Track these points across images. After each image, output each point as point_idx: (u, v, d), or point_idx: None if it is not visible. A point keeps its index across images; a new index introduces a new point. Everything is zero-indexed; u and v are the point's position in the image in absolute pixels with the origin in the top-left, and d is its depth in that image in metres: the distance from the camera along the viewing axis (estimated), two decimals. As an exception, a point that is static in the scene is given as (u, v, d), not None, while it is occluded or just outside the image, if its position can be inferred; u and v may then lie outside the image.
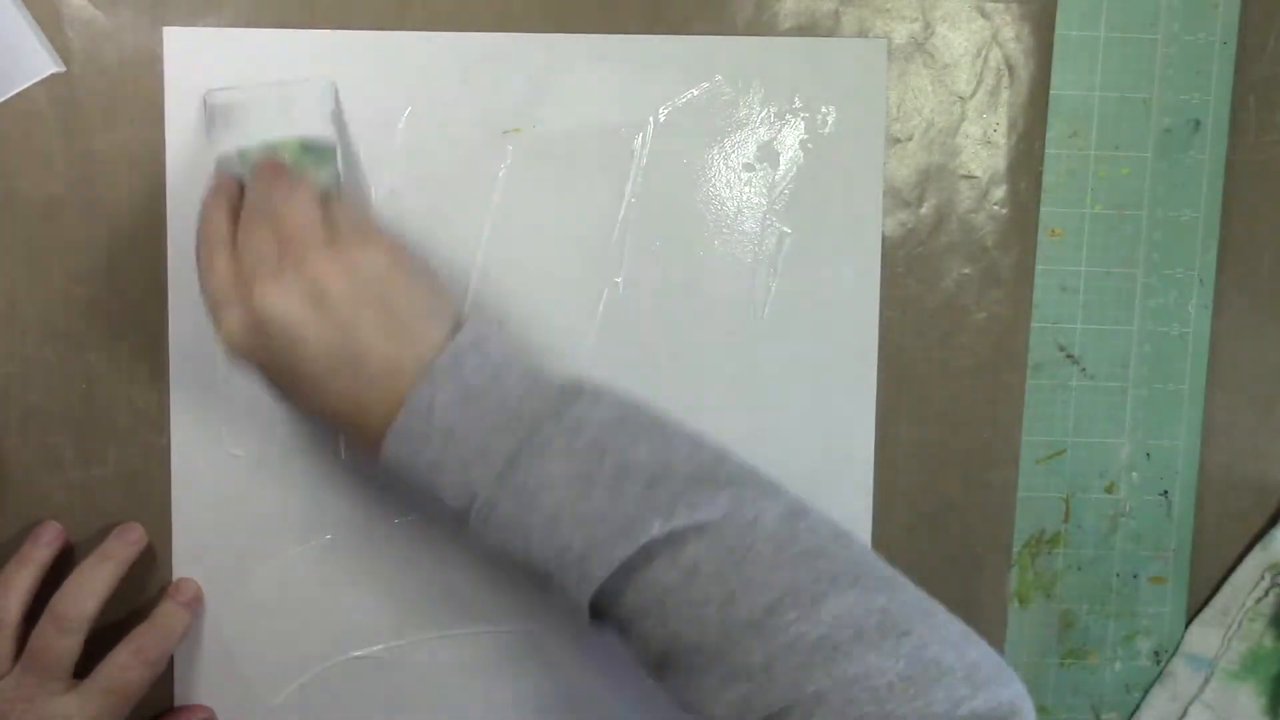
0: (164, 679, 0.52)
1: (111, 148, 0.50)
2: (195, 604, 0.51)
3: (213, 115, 0.48)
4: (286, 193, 0.43)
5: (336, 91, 0.49)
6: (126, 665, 0.48)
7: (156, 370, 0.51)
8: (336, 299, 0.40)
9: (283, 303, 0.40)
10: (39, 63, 0.49)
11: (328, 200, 0.44)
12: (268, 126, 0.47)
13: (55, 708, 0.47)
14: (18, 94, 0.49)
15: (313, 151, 0.47)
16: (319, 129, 0.48)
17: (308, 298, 0.40)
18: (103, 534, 0.50)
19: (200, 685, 0.52)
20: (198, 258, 0.44)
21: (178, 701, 0.52)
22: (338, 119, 0.49)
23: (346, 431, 0.42)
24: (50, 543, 0.49)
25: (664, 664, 0.40)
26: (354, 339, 0.40)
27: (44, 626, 0.47)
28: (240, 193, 0.45)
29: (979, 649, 0.38)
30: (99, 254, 0.50)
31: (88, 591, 0.48)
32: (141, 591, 0.51)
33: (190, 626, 0.50)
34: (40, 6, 0.49)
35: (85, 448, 0.51)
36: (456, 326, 0.42)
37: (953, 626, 0.39)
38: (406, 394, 0.40)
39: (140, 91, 0.50)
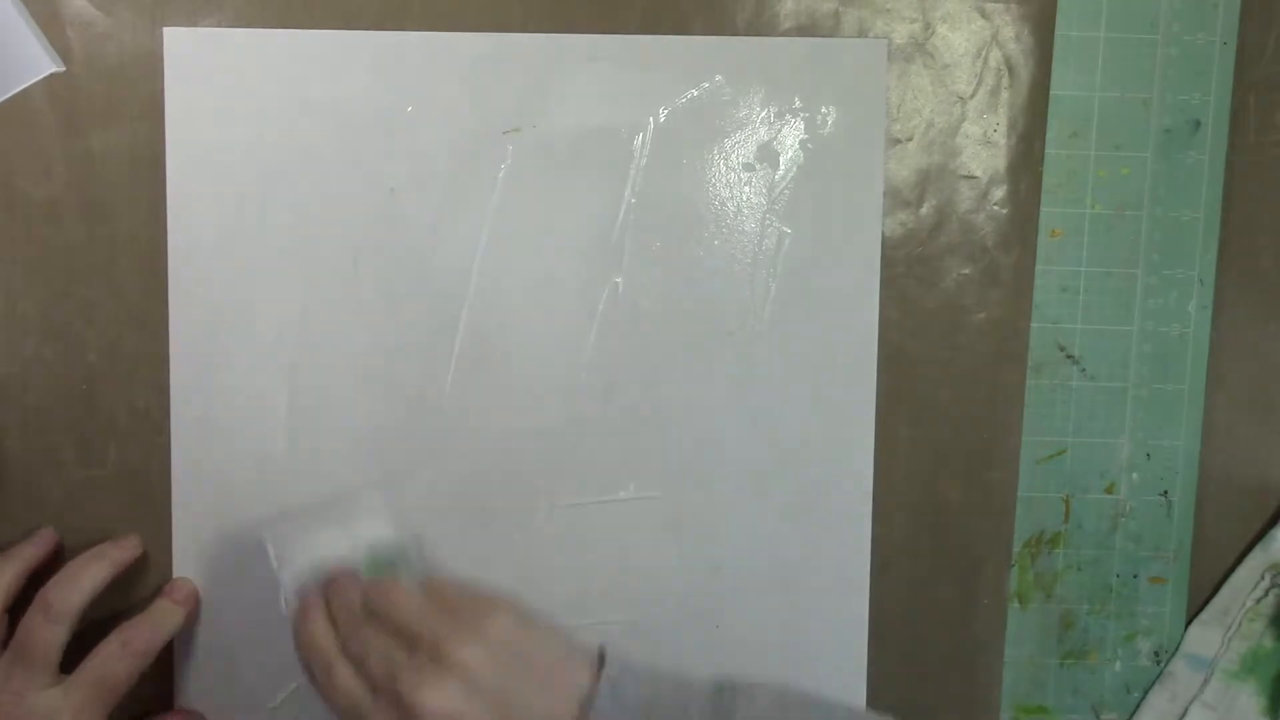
0: (164, 680, 0.52)
1: (111, 148, 0.50)
2: (189, 603, 0.51)
3: (277, 555, 0.47)
4: (384, 594, 0.43)
5: (382, 497, 0.50)
6: (113, 657, 0.48)
7: (156, 370, 0.51)
8: (488, 679, 0.40)
9: (439, 699, 0.40)
10: (39, 63, 0.49)
11: (422, 586, 0.44)
12: (334, 546, 0.47)
13: (41, 699, 0.47)
14: (18, 94, 0.49)
15: (384, 558, 0.47)
16: (383, 531, 0.48)
17: (460, 688, 0.40)
18: (103, 536, 0.50)
19: (200, 687, 0.52)
20: (311, 677, 0.44)
21: (178, 703, 0.52)
22: (396, 515, 0.49)
23: None
24: (42, 543, 0.49)
25: None
26: (514, 710, 0.40)
27: (32, 615, 0.47)
28: (325, 608, 0.45)
29: None
30: (99, 254, 0.50)
31: (77, 584, 0.48)
32: (138, 591, 0.51)
33: (182, 624, 0.50)
34: (40, 6, 0.49)
35: (85, 448, 0.51)
36: (599, 660, 0.42)
37: None
38: None
39: (140, 91, 0.50)
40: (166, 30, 0.49)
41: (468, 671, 0.40)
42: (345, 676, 0.42)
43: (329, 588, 0.45)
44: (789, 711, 0.42)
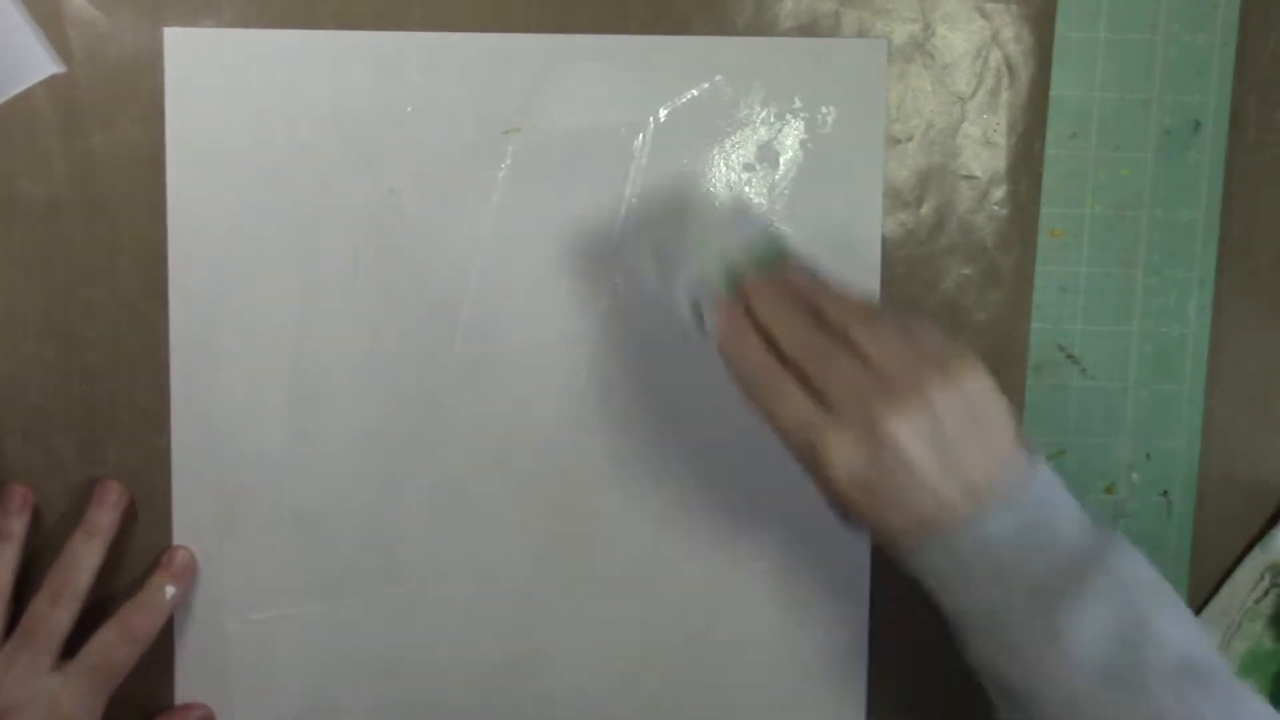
0: (165, 678, 0.52)
1: (111, 148, 0.50)
2: (186, 575, 0.51)
3: (661, 269, 0.46)
4: (848, 312, 0.42)
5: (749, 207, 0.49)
6: (112, 643, 0.48)
7: (156, 370, 0.51)
8: (951, 429, 0.40)
9: (911, 434, 0.39)
10: (39, 63, 0.49)
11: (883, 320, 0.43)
12: (716, 251, 0.45)
13: (43, 685, 0.47)
14: (18, 94, 0.49)
15: (769, 254, 0.45)
16: (754, 227, 0.46)
17: (930, 429, 0.40)
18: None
19: (201, 685, 0.52)
20: (753, 392, 0.42)
21: (178, 701, 0.52)
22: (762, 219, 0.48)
23: (893, 541, 0.42)
24: (20, 510, 0.49)
25: None
26: (960, 468, 0.40)
27: (39, 600, 0.48)
28: (744, 303, 0.43)
29: None
30: (99, 254, 0.50)
31: (80, 565, 0.48)
32: (139, 577, 0.51)
33: (180, 601, 0.51)
34: (40, 6, 0.49)
35: (85, 448, 0.51)
36: (1023, 449, 0.42)
37: None
38: (972, 511, 0.40)
39: (140, 91, 0.50)
40: (166, 30, 0.49)
41: (939, 415, 0.40)
42: (795, 393, 0.41)
43: (751, 295, 0.43)
44: (1157, 589, 0.41)
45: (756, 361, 0.42)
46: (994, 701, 0.43)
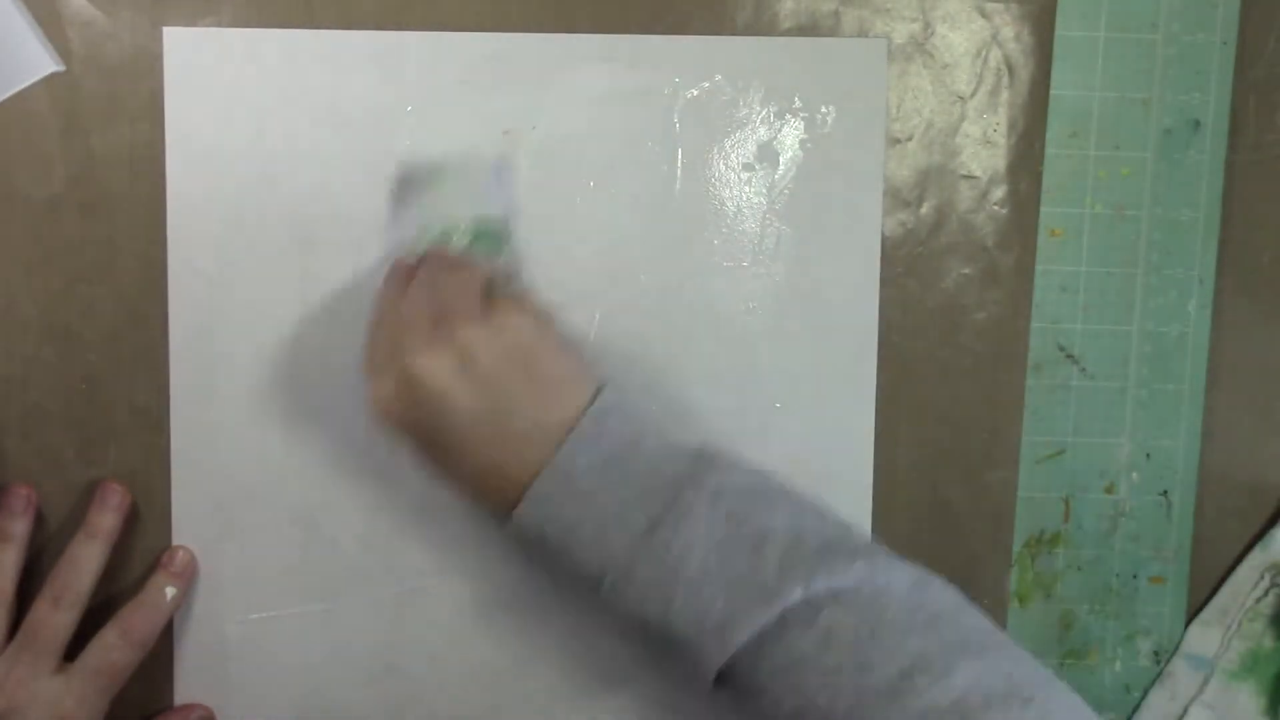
0: (164, 679, 0.52)
1: (111, 148, 0.50)
2: (186, 575, 0.51)
3: (399, 189, 0.49)
4: (450, 272, 0.45)
5: (511, 172, 0.50)
6: (113, 646, 0.49)
7: (156, 370, 0.51)
8: (484, 365, 0.42)
9: (431, 367, 0.42)
10: (39, 63, 0.49)
11: (491, 280, 0.46)
12: (447, 204, 0.49)
13: (45, 687, 0.47)
14: (18, 94, 0.49)
15: (487, 234, 0.49)
16: (496, 209, 0.49)
17: (457, 364, 0.42)
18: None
19: (201, 685, 0.52)
20: (368, 329, 0.46)
21: (178, 701, 0.52)
22: (511, 199, 0.50)
23: (484, 495, 0.44)
24: (23, 512, 0.49)
25: None
26: (500, 403, 0.42)
27: (41, 603, 0.48)
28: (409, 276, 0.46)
29: (1093, 718, 0.39)
30: (99, 254, 0.50)
31: (82, 568, 0.48)
32: (139, 579, 0.51)
33: (180, 601, 0.51)
34: (40, 6, 0.49)
35: (85, 448, 0.51)
36: (595, 392, 0.43)
37: (1070, 696, 0.40)
38: (546, 457, 0.41)
39: (140, 91, 0.50)
40: (166, 30, 0.49)
41: (468, 352, 0.42)
42: (382, 336, 0.45)
43: (423, 255, 0.47)
44: (760, 496, 0.42)
45: (382, 305, 0.46)
46: (658, 655, 0.43)
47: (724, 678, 0.41)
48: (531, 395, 0.42)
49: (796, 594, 0.39)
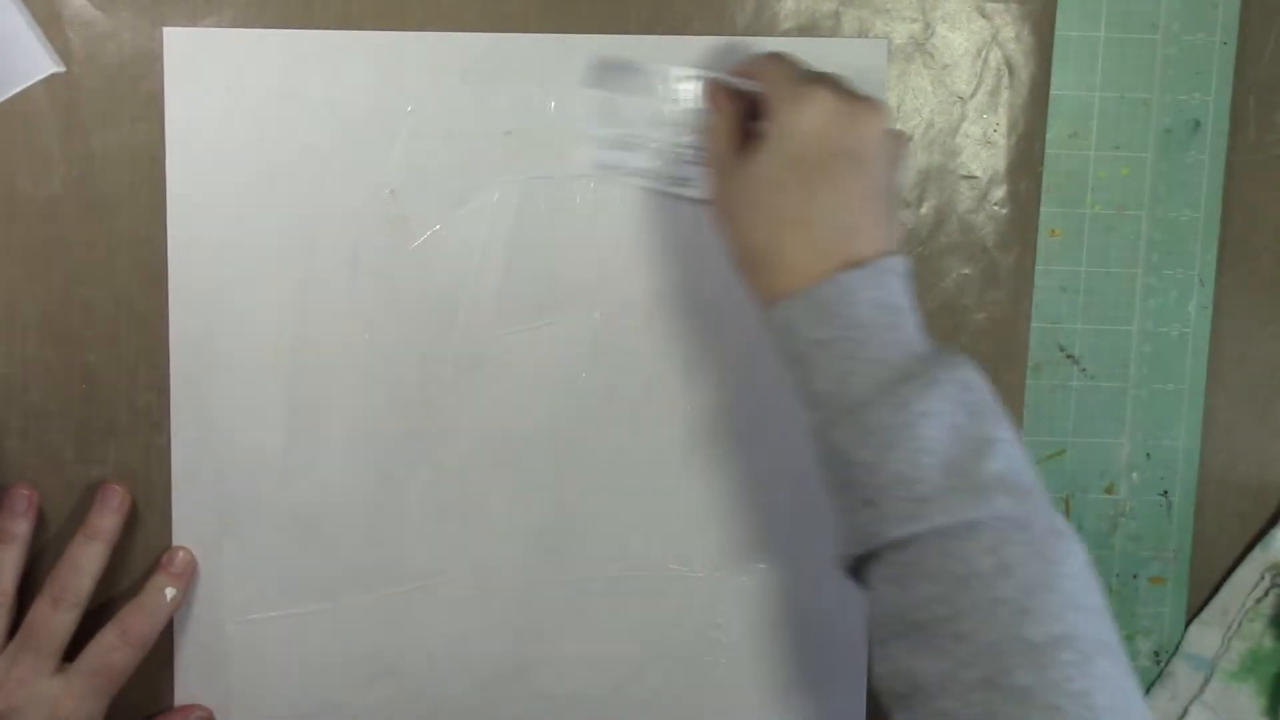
0: (164, 679, 0.52)
1: (111, 148, 0.50)
2: (186, 575, 0.51)
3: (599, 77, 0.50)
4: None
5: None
6: (112, 646, 0.49)
7: (156, 370, 0.51)
8: (868, 155, 0.43)
9: (869, 129, 0.44)
10: (39, 63, 0.49)
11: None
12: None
13: (45, 688, 0.47)
14: (18, 94, 0.49)
15: None
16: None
17: (886, 144, 0.44)
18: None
19: (201, 685, 0.52)
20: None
21: (178, 701, 0.52)
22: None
23: (760, 270, 0.45)
24: (25, 512, 0.49)
25: (908, 632, 0.40)
26: (845, 194, 0.43)
27: (41, 603, 0.48)
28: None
29: None
30: (99, 254, 0.50)
31: (82, 569, 0.48)
32: (139, 578, 0.51)
33: (180, 602, 0.51)
34: (40, 6, 0.49)
35: (85, 448, 0.51)
36: (894, 251, 0.44)
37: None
38: (837, 269, 0.42)
39: (140, 91, 0.50)
40: (166, 30, 0.49)
41: (860, 135, 0.44)
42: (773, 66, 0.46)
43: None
44: (997, 408, 0.42)
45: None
46: (836, 508, 0.43)
47: (878, 557, 0.41)
48: (863, 210, 0.43)
49: (1003, 508, 0.39)
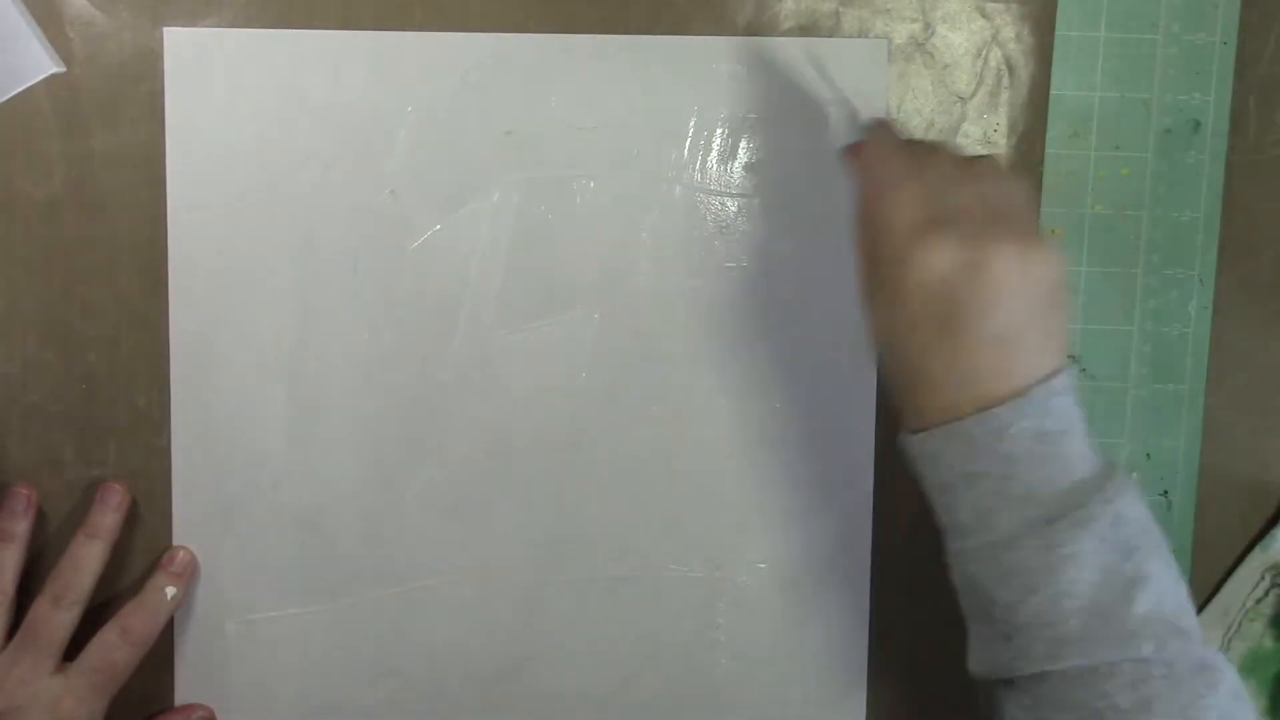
0: (165, 679, 0.52)
1: (111, 148, 0.50)
2: (186, 575, 0.51)
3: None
4: (1000, 179, 0.43)
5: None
6: (113, 645, 0.49)
7: (156, 370, 0.51)
8: (1040, 284, 0.40)
9: (1004, 263, 0.40)
10: (39, 63, 0.49)
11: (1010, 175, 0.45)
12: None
13: (45, 687, 0.47)
14: (18, 94, 0.49)
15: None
16: None
17: (1018, 274, 0.40)
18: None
19: (201, 685, 0.52)
20: (869, 184, 0.44)
21: (178, 701, 0.52)
22: None
23: (909, 393, 0.42)
24: (24, 512, 0.49)
25: None
26: (1008, 324, 0.40)
27: (41, 602, 0.48)
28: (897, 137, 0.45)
29: None
30: (99, 254, 0.50)
31: (83, 568, 0.49)
32: (140, 577, 0.51)
33: (181, 601, 0.51)
34: (40, 6, 0.49)
35: (85, 448, 0.51)
36: (1058, 366, 0.41)
37: None
38: (992, 402, 0.40)
39: (140, 91, 0.50)
40: (166, 30, 0.49)
41: (1034, 274, 0.40)
42: (917, 197, 0.41)
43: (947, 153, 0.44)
44: (1151, 536, 0.40)
45: (893, 147, 0.44)
46: (972, 628, 0.42)
47: (1013, 684, 0.40)
48: (1026, 335, 0.40)
49: (1146, 651, 0.38)
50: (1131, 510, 0.40)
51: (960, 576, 0.42)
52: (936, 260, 0.40)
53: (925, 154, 0.43)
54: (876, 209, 0.42)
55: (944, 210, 0.41)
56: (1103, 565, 0.39)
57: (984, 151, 0.52)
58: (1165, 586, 0.40)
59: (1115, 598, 0.39)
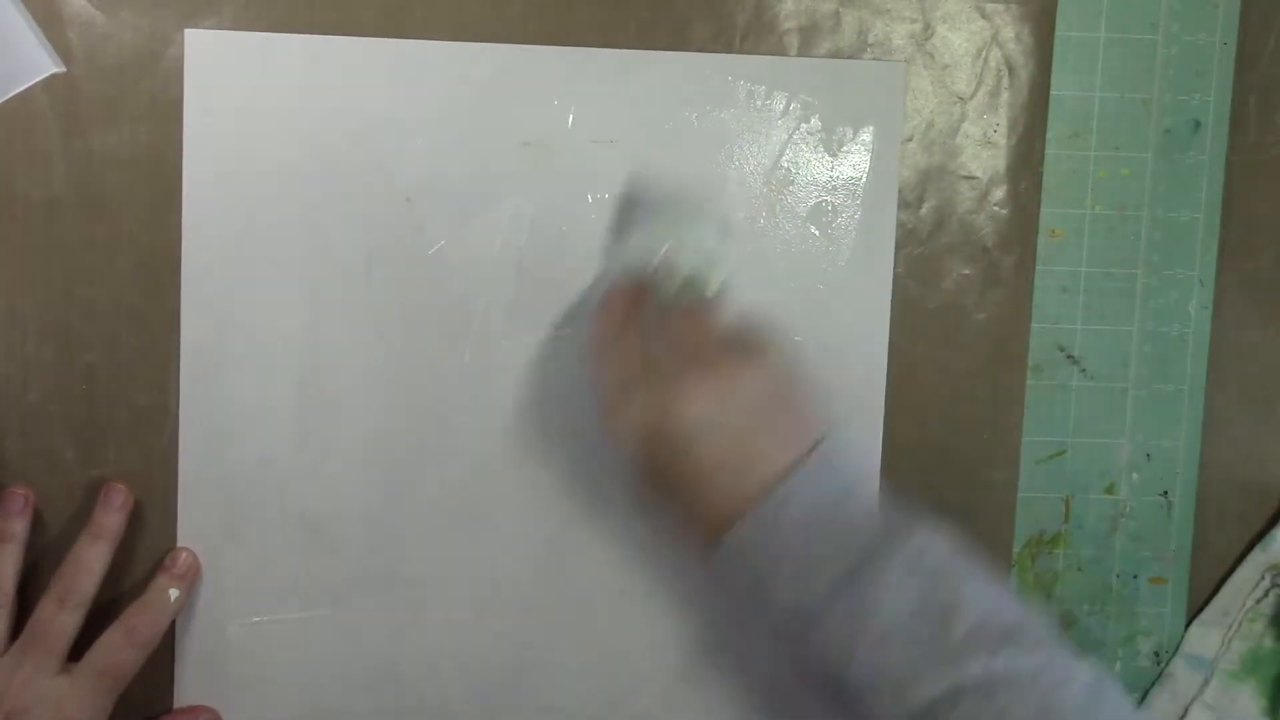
0: (165, 681, 0.52)
1: (111, 148, 0.50)
2: (189, 576, 0.51)
3: (625, 213, 0.50)
4: (692, 315, 0.46)
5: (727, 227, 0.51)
6: (118, 646, 0.49)
7: (156, 370, 0.51)
8: (741, 405, 0.43)
9: (694, 403, 0.43)
10: (39, 63, 0.49)
11: (719, 309, 0.47)
12: (667, 230, 0.49)
13: (50, 689, 0.47)
14: (18, 94, 0.49)
15: (703, 265, 0.48)
16: (713, 241, 0.49)
17: (718, 402, 0.43)
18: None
19: (201, 687, 0.52)
20: (591, 347, 0.47)
21: (178, 703, 0.52)
22: (725, 229, 0.50)
23: (692, 523, 0.44)
24: (21, 512, 0.49)
25: None
26: (742, 442, 0.43)
27: (45, 603, 0.48)
28: (636, 295, 0.48)
29: None
30: (99, 254, 0.50)
31: (87, 569, 0.48)
32: (143, 578, 0.51)
33: (184, 602, 0.51)
34: (40, 6, 0.49)
35: (85, 448, 0.51)
36: (817, 440, 0.44)
37: None
38: (760, 499, 0.42)
39: (140, 91, 0.50)
40: (188, 31, 0.49)
41: (725, 389, 0.43)
42: (620, 357, 0.46)
43: (642, 284, 0.48)
44: (955, 569, 0.42)
45: (609, 321, 0.47)
46: (830, 698, 0.43)
47: None
48: (771, 434, 0.43)
49: (977, 669, 0.39)
50: (927, 547, 0.42)
51: (796, 660, 0.43)
52: (635, 416, 0.44)
53: (635, 311, 0.47)
54: (592, 370, 0.47)
55: (642, 368, 0.45)
56: (912, 602, 0.40)
57: (984, 153, 0.52)
58: (985, 602, 0.41)
59: (936, 628, 0.40)
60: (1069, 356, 0.53)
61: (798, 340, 0.46)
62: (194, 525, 0.51)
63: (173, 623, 0.51)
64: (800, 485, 0.42)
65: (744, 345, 0.45)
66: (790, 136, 0.51)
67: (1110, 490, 0.54)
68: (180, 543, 0.51)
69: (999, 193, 0.53)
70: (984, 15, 0.52)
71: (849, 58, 0.52)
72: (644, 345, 0.45)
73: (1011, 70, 0.52)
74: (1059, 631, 0.42)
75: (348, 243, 0.51)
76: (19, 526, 0.49)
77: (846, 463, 0.44)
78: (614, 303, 0.48)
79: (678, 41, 0.51)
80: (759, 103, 0.51)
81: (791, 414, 0.44)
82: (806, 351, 0.48)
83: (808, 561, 0.41)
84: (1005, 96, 0.52)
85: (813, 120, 0.51)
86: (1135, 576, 0.54)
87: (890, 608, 0.40)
